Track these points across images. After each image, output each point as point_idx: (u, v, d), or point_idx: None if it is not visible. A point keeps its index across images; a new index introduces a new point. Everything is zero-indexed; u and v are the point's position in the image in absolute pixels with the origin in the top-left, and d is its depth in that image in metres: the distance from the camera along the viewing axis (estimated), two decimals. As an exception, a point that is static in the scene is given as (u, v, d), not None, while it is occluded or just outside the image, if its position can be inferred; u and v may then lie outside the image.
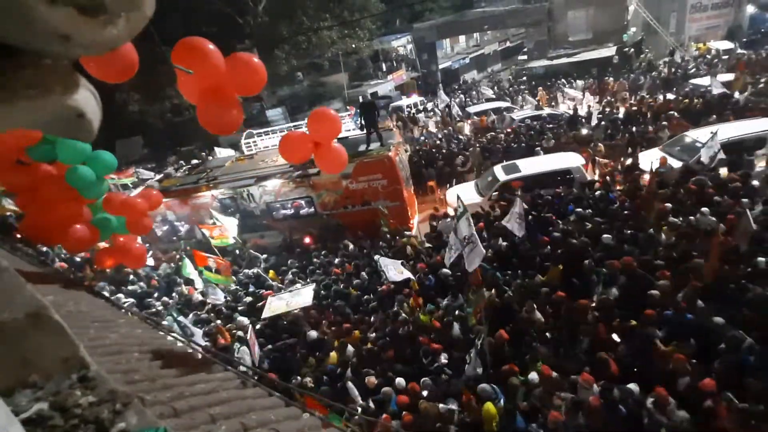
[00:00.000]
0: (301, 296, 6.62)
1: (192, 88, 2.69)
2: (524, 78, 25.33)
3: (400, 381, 5.23)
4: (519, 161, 10.45)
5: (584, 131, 12.79)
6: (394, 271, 6.63)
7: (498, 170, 10.14)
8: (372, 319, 6.76)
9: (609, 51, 23.45)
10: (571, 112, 15.21)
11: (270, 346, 6.54)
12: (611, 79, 19.96)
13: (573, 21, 26.37)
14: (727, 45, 21.04)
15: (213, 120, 2.84)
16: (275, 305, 6.57)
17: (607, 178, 9.34)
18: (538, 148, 11.88)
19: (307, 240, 10.02)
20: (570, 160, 9.93)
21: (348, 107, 22.27)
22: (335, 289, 7.51)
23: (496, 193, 9.50)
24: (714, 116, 11.08)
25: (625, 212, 7.35)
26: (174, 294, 8.77)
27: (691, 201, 7.23)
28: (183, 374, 2.57)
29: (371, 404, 5.14)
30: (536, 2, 29.56)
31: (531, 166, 10.02)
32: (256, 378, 3.00)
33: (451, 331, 5.93)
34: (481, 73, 33.50)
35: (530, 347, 5.30)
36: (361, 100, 12.18)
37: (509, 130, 14.91)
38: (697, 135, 9.28)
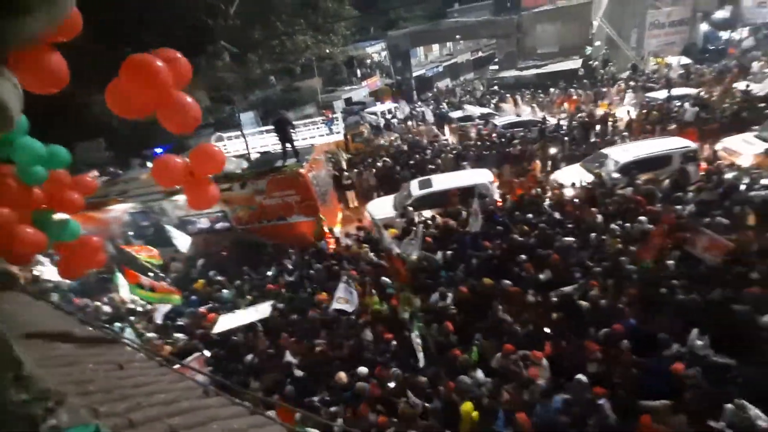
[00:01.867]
0: (257, 312, 6.49)
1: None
2: (495, 87, 25.99)
3: (362, 369, 5.26)
4: (433, 177, 10.87)
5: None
6: (343, 297, 6.36)
7: (414, 185, 10.48)
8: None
9: (575, 63, 24.43)
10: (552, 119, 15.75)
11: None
12: (577, 90, 20.72)
13: (541, 34, 27.36)
14: (684, 60, 22.32)
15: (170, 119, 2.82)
16: (226, 321, 6.39)
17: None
18: (465, 162, 12.45)
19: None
20: (479, 176, 10.37)
21: (323, 111, 22.25)
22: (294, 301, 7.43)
23: (410, 208, 9.82)
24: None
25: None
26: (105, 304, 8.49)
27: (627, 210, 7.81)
28: (141, 384, 2.45)
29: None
30: (506, 15, 30.54)
31: (443, 181, 10.42)
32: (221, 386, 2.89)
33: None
34: (454, 81, 34.16)
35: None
36: (274, 117, 12.11)
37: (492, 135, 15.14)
38: (612, 152, 10.01)
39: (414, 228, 7.89)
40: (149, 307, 7.85)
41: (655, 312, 5.47)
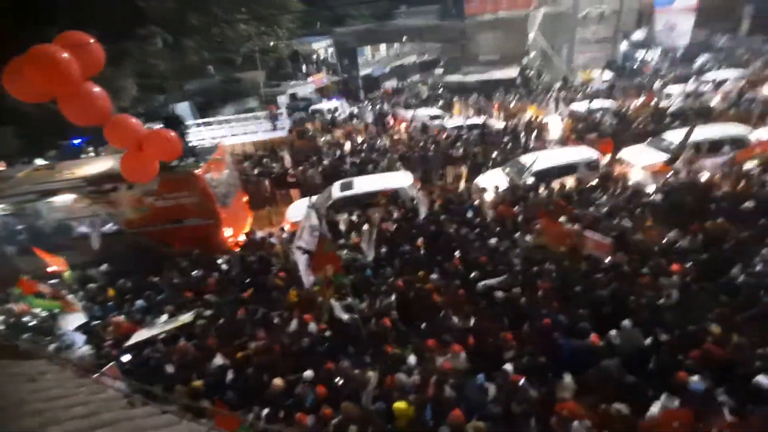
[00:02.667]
0: (177, 321, 6.10)
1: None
2: (440, 90, 26.74)
3: (307, 374, 5.12)
4: (355, 179, 10.96)
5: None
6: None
7: (335, 187, 10.52)
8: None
9: (513, 72, 25.85)
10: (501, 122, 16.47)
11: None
12: (515, 98, 21.94)
13: (483, 42, 28.59)
14: (608, 75, 24.51)
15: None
16: (144, 332, 5.96)
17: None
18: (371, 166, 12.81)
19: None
20: (400, 180, 10.49)
21: (267, 106, 21.50)
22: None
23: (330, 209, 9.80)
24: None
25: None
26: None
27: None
28: (56, 397, 2.22)
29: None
30: (451, 21, 31.55)
31: (364, 184, 10.51)
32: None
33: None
34: (400, 82, 34.65)
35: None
36: (165, 114, 11.61)
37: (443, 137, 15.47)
38: (528, 159, 10.76)
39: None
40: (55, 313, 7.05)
41: (570, 306, 5.87)
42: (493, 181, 10.49)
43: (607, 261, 6.56)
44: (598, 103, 16.70)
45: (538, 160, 10.22)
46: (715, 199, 8.14)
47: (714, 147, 10.65)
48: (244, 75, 24.24)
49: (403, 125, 17.55)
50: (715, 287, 5.84)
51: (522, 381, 4.60)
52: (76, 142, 18.95)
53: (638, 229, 7.46)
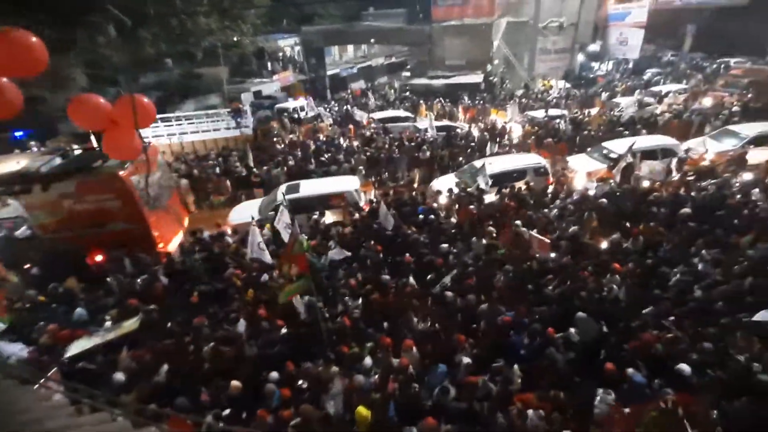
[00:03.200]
0: (122, 328, 5.78)
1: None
2: (407, 93, 27.04)
3: (273, 375, 5.03)
4: (302, 182, 10.68)
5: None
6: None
7: (281, 190, 10.22)
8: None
9: (478, 77, 26.55)
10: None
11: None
12: (480, 103, 22.55)
13: (449, 47, 29.17)
14: (566, 84, 25.71)
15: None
16: (83, 343, 5.56)
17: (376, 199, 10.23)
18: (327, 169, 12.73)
19: (99, 258, 8.34)
20: (346, 183, 10.42)
21: (230, 103, 20.87)
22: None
23: (272, 213, 9.29)
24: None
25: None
26: None
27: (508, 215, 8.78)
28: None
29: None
30: (418, 25, 31.99)
31: (311, 187, 10.36)
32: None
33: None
34: (368, 83, 34.72)
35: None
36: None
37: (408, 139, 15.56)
38: (479, 164, 10.99)
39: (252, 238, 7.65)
40: None
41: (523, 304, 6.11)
42: (447, 185, 10.73)
43: (553, 261, 6.95)
44: (554, 111, 17.48)
45: (489, 165, 10.56)
46: (655, 204, 8.75)
47: (648, 156, 11.50)
48: (205, 70, 23.39)
49: (372, 126, 17.60)
50: (652, 286, 6.31)
51: (480, 381, 4.72)
52: (18, 134, 17.61)
53: (585, 232, 7.91)
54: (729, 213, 8.04)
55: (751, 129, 12.63)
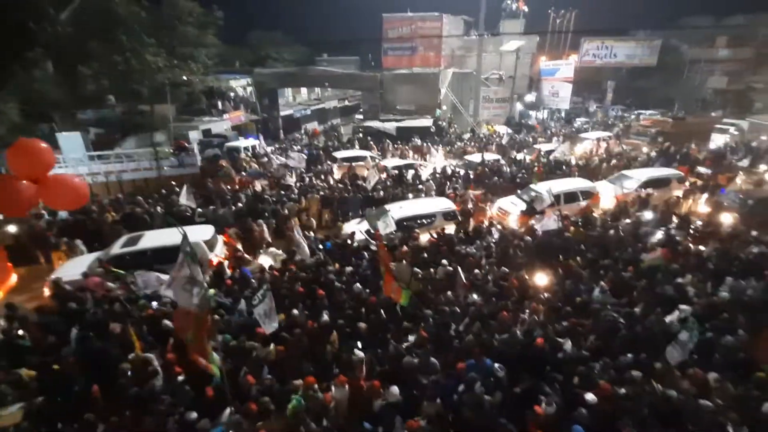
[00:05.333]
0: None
1: None
2: (360, 134, 27.62)
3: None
4: (146, 233, 9.74)
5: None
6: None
7: (119, 242, 9.30)
8: None
9: (427, 122, 27.82)
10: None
11: None
12: (428, 144, 23.48)
13: (400, 93, 30.59)
14: (506, 129, 27.59)
15: None
16: None
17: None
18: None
19: None
20: (199, 233, 9.48)
21: (177, 141, 20.08)
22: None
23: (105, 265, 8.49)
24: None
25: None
26: None
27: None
28: None
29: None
30: (370, 71, 33.40)
31: (154, 239, 9.31)
32: None
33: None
34: (321, 124, 35.20)
35: None
36: None
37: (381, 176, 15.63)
38: (392, 207, 11.39)
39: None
40: None
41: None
42: (358, 227, 10.75)
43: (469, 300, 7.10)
44: (488, 156, 18.66)
45: (402, 209, 10.85)
46: (575, 241, 9.52)
47: (570, 197, 12.61)
48: (151, 108, 22.53)
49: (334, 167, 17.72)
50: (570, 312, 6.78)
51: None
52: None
53: (513, 268, 8.29)
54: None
55: (642, 174, 14.21)
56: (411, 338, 6.27)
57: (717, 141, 22.10)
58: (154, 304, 7.20)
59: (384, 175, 15.76)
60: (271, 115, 30.16)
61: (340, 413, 5.04)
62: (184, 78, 21.68)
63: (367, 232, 10.21)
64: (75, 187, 4.44)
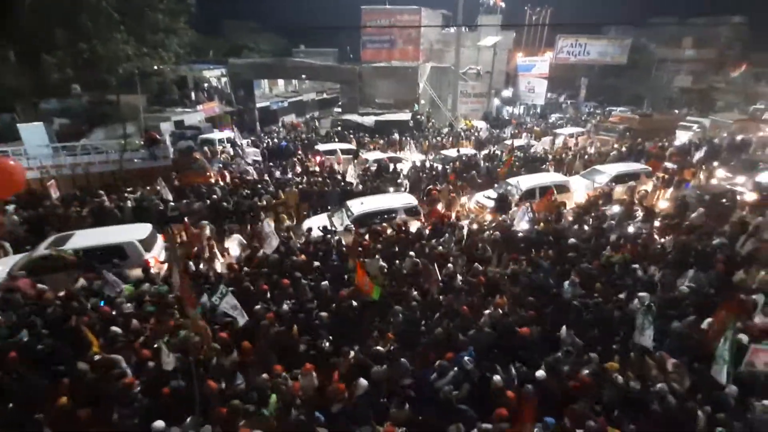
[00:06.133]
0: None
1: None
2: (339, 128, 27.40)
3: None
4: (79, 231, 9.21)
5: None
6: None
7: (46, 242, 8.76)
8: None
9: (406, 116, 27.85)
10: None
11: None
12: (407, 137, 23.53)
13: (378, 86, 30.44)
14: (483, 124, 27.93)
15: None
16: None
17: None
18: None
19: None
20: (129, 233, 9.04)
21: (148, 132, 19.39)
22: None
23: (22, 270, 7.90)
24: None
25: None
26: None
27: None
28: None
29: None
30: (349, 64, 33.08)
31: (84, 239, 8.80)
32: None
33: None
34: (299, 117, 34.70)
35: None
36: None
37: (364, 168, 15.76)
38: (352, 203, 11.46)
39: None
40: None
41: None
42: (319, 223, 10.64)
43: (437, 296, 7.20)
44: (464, 150, 19.09)
45: (362, 204, 10.91)
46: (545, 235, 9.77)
47: (545, 191, 12.74)
48: (120, 98, 21.63)
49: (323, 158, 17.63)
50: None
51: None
52: None
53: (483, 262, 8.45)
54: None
55: (613, 169, 14.73)
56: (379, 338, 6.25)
57: (681, 138, 23.05)
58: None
59: (364, 169, 15.75)
60: (247, 106, 29.51)
61: (307, 402, 5.01)
62: (155, 67, 20.91)
63: (324, 228, 10.04)
64: (10, 171, 4.09)
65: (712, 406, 4.91)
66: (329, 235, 9.59)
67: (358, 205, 11.15)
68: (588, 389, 5.10)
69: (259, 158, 17.20)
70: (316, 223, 10.70)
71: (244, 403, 4.71)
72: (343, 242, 9.46)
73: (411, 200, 11.83)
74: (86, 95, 21.95)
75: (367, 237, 9.53)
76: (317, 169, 16.56)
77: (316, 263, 8.29)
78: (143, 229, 9.29)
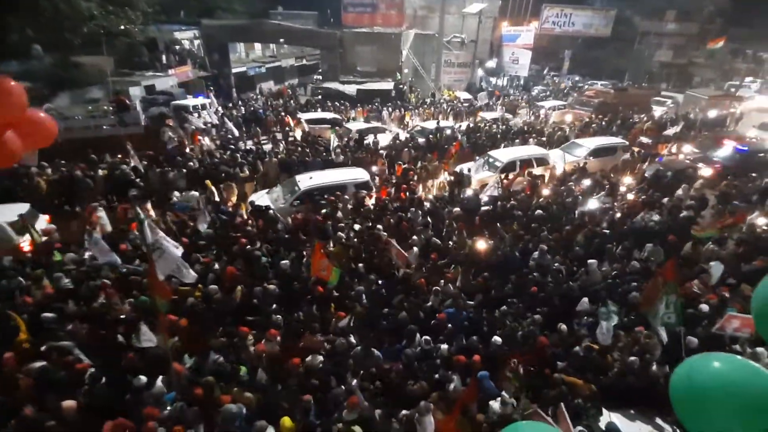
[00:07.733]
0: None
1: None
2: (320, 96, 26.67)
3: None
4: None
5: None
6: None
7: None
8: None
9: (389, 85, 27.26)
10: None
11: None
12: (388, 107, 23.14)
13: (360, 53, 29.56)
14: (466, 95, 27.61)
15: None
16: None
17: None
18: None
19: None
20: (5, 214, 8.25)
21: (117, 97, 18.44)
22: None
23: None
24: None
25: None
26: None
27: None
28: None
29: None
30: (329, 29, 31.82)
31: None
32: None
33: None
34: (277, 84, 33.51)
35: None
36: None
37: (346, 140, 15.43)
38: (300, 178, 11.04)
39: None
40: None
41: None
42: (263, 200, 10.37)
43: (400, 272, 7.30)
44: (444, 123, 18.82)
45: (311, 179, 10.62)
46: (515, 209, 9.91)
47: (526, 164, 12.92)
48: (85, 60, 20.34)
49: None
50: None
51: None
52: None
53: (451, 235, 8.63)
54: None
55: (591, 142, 14.94)
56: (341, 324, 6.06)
57: (655, 112, 23.37)
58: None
59: (346, 140, 15.49)
60: (222, 71, 28.28)
61: (268, 367, 5.12)
62: (121, 27, 19.66)
63: (257, 206, 9.66)
64: (49, 125, 4.11)
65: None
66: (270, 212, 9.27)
67: (307, 180, 10.69)
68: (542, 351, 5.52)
69: (236, 132, 16.67)
70: (259, 200, 10.31)
71: (216, 378, 4.70)
72: (289, 220, 9.22)
73: (362, 175, 11.40)
74: (48, 57, 20.56)
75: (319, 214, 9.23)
76: (297, 137, 16.22)
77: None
78: (15, 211, 8.29)
